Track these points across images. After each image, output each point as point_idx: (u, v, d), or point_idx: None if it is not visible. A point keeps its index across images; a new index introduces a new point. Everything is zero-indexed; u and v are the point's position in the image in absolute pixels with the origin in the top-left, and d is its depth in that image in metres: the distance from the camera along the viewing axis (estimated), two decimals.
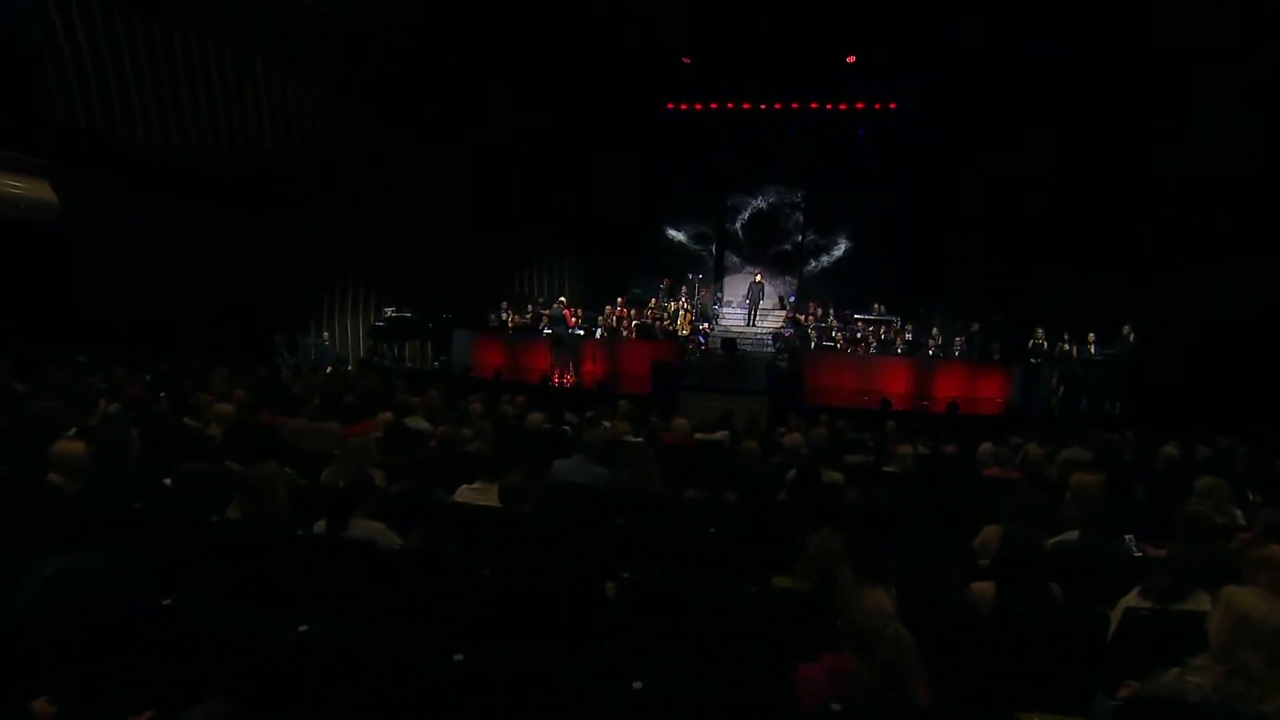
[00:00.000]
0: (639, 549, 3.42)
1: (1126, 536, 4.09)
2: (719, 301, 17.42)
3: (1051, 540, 3.93)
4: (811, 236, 17.66)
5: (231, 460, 4.44)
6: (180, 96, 10.29)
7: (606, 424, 8.07)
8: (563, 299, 12.57)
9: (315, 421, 6.26)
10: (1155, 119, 10.85)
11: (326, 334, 13.81)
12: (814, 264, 17.68)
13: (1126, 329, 10.86)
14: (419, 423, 7.01)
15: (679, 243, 18.14)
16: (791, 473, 5.14)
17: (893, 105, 16.17)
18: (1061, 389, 11.55)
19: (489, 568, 2.90)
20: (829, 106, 16.58)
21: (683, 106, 17.06)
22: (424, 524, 3.24)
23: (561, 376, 12.11)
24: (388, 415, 6.16)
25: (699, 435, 7.91)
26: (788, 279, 17.81)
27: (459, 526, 3.34)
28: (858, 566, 3.00)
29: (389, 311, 13.41)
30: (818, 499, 4.49)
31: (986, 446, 6.96)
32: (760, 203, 17.90)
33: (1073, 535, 3.96)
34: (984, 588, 2.86)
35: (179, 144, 10.50)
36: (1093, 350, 10.99)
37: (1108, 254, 11.65)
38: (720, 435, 7.98)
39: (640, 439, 7.29)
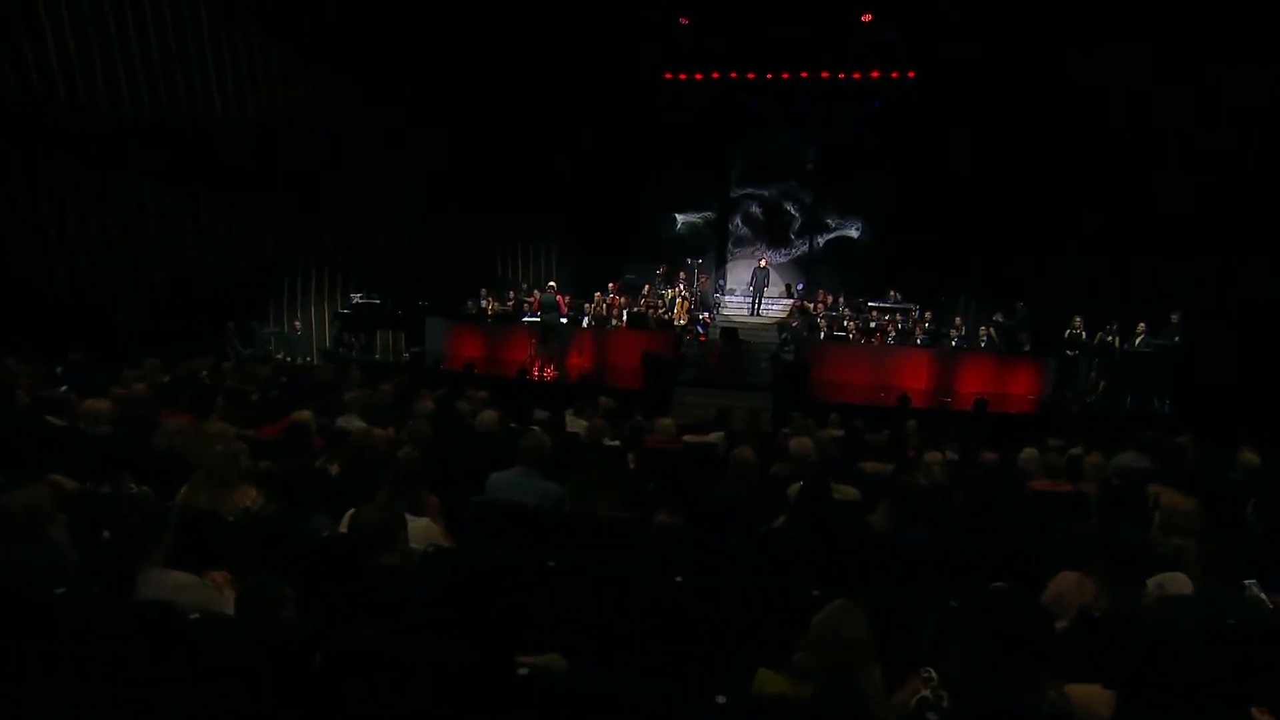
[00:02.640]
0: (566, 613, 2.44)
1: (1246, 582, 3.10)
2: (720, 289, 16.51)
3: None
4: (822, 218, 16.61)
5: (65, 475, 3.50)
6: (110, 49, 9.30)
7: (583, 422, 7.15)
8: (553, 284, 11.59)
9: (221, 421, 5.35)
10: (1212, 50, 9.71)
11: (299, 323, 12.89)
12: (825, 247, 16.64)
13: (1175, 316, 9.85)
14: (353, 422, 6.06)
15: (677, 224, 17.15)
16: (795, 487, 4.16)
17: (911, 74, 15.12)
18: (1102, 384, 10.55)
19: (324, 653, 1.93)
20: (841, 76, 15.53)
21: (681, 76, 16.05)
22: (255, 576, 2.26)
23: (543, 369, 11.15)
24: (305, 414, 5.18)
25: (688, 437, 6.94)
26: (794, 259, 16.74)
27: (310, 580, 2.36)
28: (888, 647, 2.03)
29: (355, 298, 12.49)
30: (829, 527, 3.50)
31: (1030, 453, 5.96)
32: (766, 181, 16.84)
33: (1176, 579, 2.97)
34: (1091, 695, 1.87)
35: (108, 104, 9.51)
36: (1138, 340, 9.95)
37: (1153, 231, 10.62)
38: (714, 437, 7.03)
39: (617, 442, 6.33)
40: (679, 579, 2.66)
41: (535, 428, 4.16)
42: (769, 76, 15.78)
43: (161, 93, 9.97)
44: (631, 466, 6.00)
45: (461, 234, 15.00)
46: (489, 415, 5.66)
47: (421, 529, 3.03)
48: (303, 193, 12.32)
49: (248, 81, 11.13)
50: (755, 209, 16.92)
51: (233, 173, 11.22)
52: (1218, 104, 9.78)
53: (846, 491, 4.43)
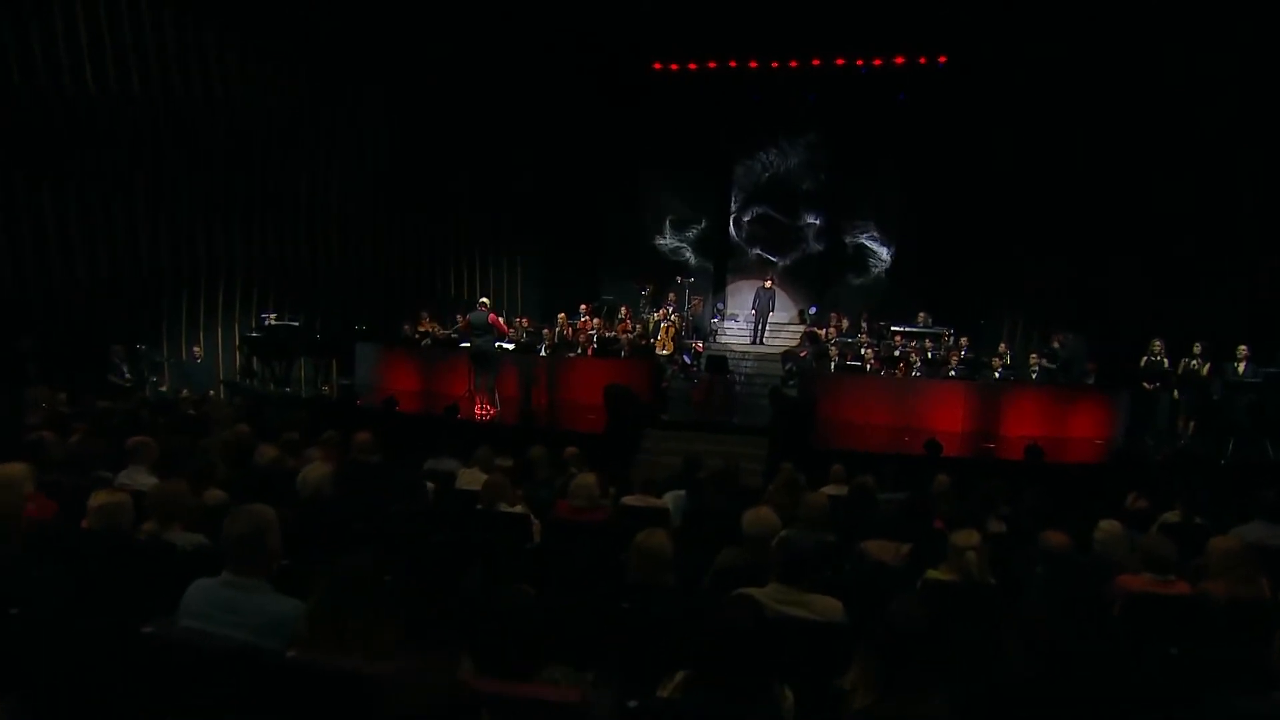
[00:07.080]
0: None
1: None
2: (719, 314, 15.19)
3: None
4: (838, 229, 15.35)
5: None
6: None
7: (486, 471, 5.69)
8: (485, 300, 10.27)
9: None
10: None
11: (199, 349, 11.65)
12: (842, 264, 15.33)
13: None
14: (138, 478, 4.64)
15: (666, 237, 15.94)
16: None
17: (942, 59, 14.04)
18: (1192, 425, 9.07)
19: None
20: (859, 63, 14.52)
21: (673, 66, 15.13)
22: None
23: (483, 406, 9.75)
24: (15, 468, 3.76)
25: (630, 499, 5.44)
26: (804, 274, 15.45)
27: None
28: None
29: (268, 318, 11.30)
30: (756, 703, 1.97)
31: (1111, 527, 4.28)
32: (772, 187, 15.62)
33: None
34: None
35: None
36: (1241, 369, 8.43)
37: (1256, 231, 9.24)
38: (669, 499, 5.56)
39: (518, 507, 4.83)
40: None
41: (259, 505, 2.61)
42: (774, 65, 14.78)
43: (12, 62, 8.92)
44: (536, 540, 4.60)
45: (406, 244, 13.88)
46: (315, 471, 4.20)
47: None
48: (209, 190, 11.24)
49: (137, 55, 10.11)
50: (759, 219, 15.65)
51: (116, 164, 10.16)
52: None
53: (821, 605, 2.89)
